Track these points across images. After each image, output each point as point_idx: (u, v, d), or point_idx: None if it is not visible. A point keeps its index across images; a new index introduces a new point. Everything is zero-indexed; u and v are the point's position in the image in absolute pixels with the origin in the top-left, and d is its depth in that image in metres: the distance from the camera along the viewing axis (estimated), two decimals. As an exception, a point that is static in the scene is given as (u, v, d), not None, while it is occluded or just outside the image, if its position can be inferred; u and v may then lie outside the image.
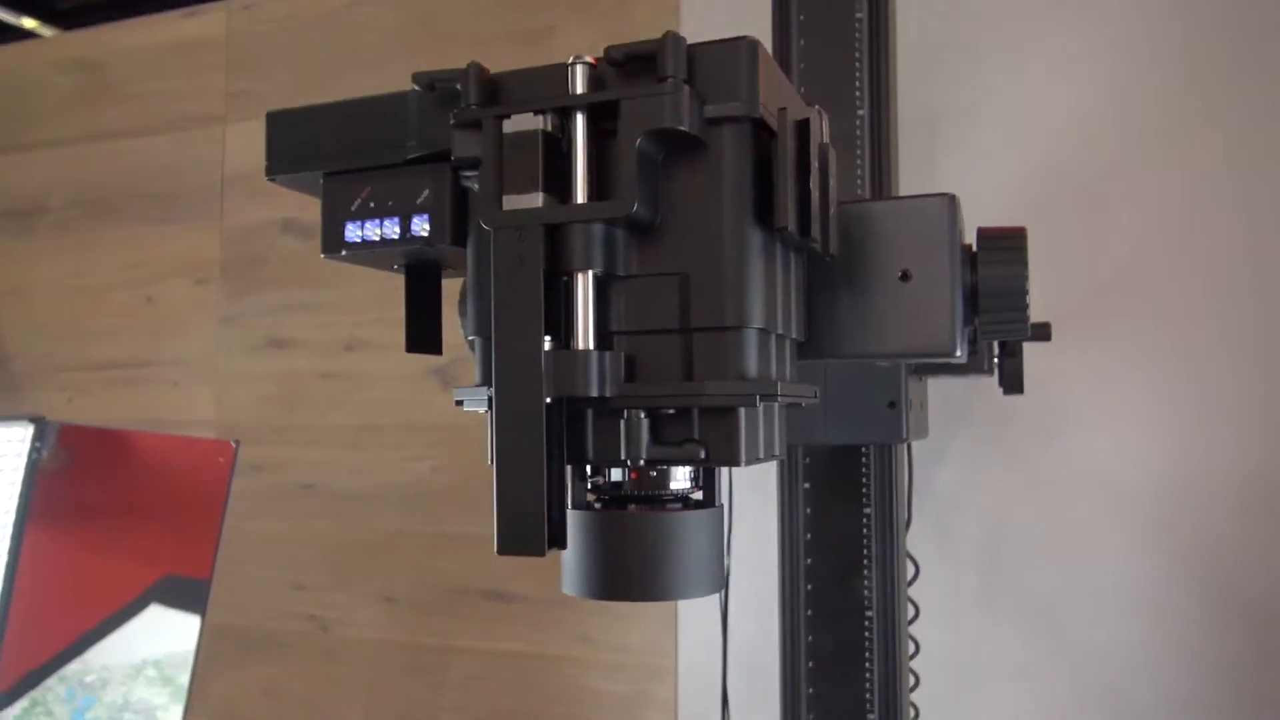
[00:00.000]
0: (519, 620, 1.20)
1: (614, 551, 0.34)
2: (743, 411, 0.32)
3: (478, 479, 1.23)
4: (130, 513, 0.90)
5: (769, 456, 0.35)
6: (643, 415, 0.32)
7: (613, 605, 1.15)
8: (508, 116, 0.32)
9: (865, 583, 0.73)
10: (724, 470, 0.36)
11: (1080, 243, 0.95)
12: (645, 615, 1.14)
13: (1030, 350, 0.81)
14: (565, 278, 0.32)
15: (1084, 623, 0.96)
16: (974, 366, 0.73)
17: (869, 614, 0.72)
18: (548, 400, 0.31)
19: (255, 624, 1.32)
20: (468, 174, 0.35)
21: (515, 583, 1.21)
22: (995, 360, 0.77)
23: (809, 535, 0.74)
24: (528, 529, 0.31)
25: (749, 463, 0.32)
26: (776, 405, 0.36)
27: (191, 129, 1.41)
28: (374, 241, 0.36)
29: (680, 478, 0.35)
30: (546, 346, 0.31)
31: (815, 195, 0.32)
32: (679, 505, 0.34)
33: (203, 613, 1.01)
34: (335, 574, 1.29)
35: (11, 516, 0.75)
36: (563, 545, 0.32)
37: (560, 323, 0.32)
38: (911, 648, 0.80)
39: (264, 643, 1.32)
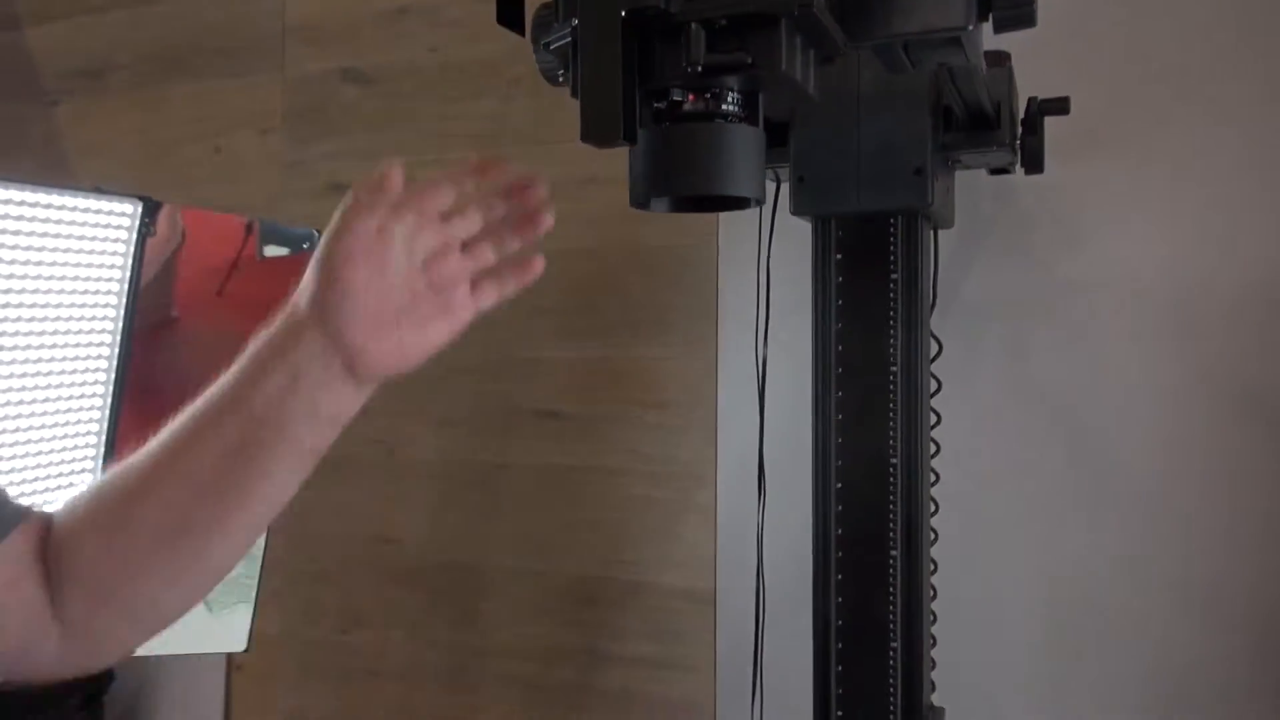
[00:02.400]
0: (570, 437, 1.29)
1: (679, 155, 0.41)
2: (783, 24, 0.39)
3: (526, 308, 1.31)
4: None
5: (804, 84, 0.41)
6: (701, 31, 0.39)
7: (659, 419, 1.24)
8: None
9: (891, 343, 0.80)
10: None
11: (1105, 48, 0.99)
12: (689, 428, 1.23)
13: (1052, 157, 0.86)
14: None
15: (1103, 421, 1.03)
16: (998, 141, 0.79)
17: (893, 369, 0.80)
18: (623, 13, 0.38)
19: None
20: None
21: (566, 401, 1.30)
22: (1018, 143, 0.83)
23: (840, 301, 0.81)
24: (609, 118, 0.38)
25: (788, 72, 0.39)
26: (812, 52, 0.42)
27: (251, -17, 1.47)
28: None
29: (730, 102, 0.42)
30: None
31: None
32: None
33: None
34: (397, 401, 1.39)
35: (124, 290, 0.84)
36: (634, 140, 0.39)
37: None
38: (933, 418, 0.88)
39: (334, 466, 1.43)
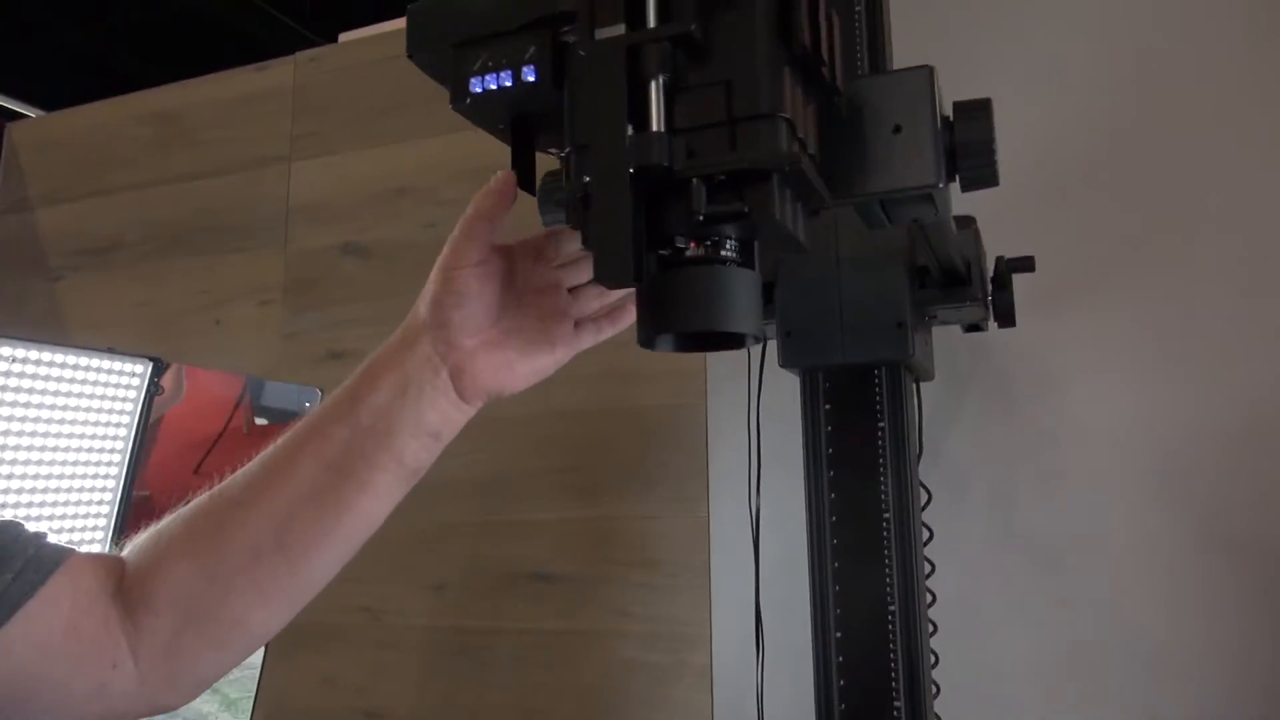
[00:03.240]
0: (561, 599, 1.28)
1: (683, 296, 0.45)
2: (775, 178, 0.43)
3: (520, 469, 1.32)
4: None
5: (795, 232, 0.46)
6: (702, 185, 0.43)
7: (650, 579, 1.23)
8: (598, -23, 0.45)
9: (882, 488, 0.82)
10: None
11: (1073, 206, 1.07)
12: (680, 588, 1.22)
13: (1026, 315, 0.92)
14: (639, 91, 0.44)
15: (1089, 567, 1.04)
16: (970, 296, 0.84)
17: (886, 515, 0.82)
18: (631, 169, 0.42)
19: (310, 619, 1.40)
20: (566, 29, 0.47)
21: (557, 564, 1.29)
22: (989, 299, 0.88)
23: (830, 450, 0.84)
24: (621, 260, 0.42)
25: (780, 220, 0.43)
26: (800, 205, 0.47)
27: (260, 168, 1.56)
28: (493, 90, 0.48)
29: (728, 248, 0.46)
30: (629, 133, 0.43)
31: (823, 28, 0.44)
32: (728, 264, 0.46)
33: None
34: (387, 566, 1.38)
35: (130, 444, 0.86)
36: (642, 280, 0.43)
37: (637, 120, 0.44)
38: (927, 567, 0.89)
39: (319, 635, 1.40)
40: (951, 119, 0.54)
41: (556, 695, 1.25)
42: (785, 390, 0.95)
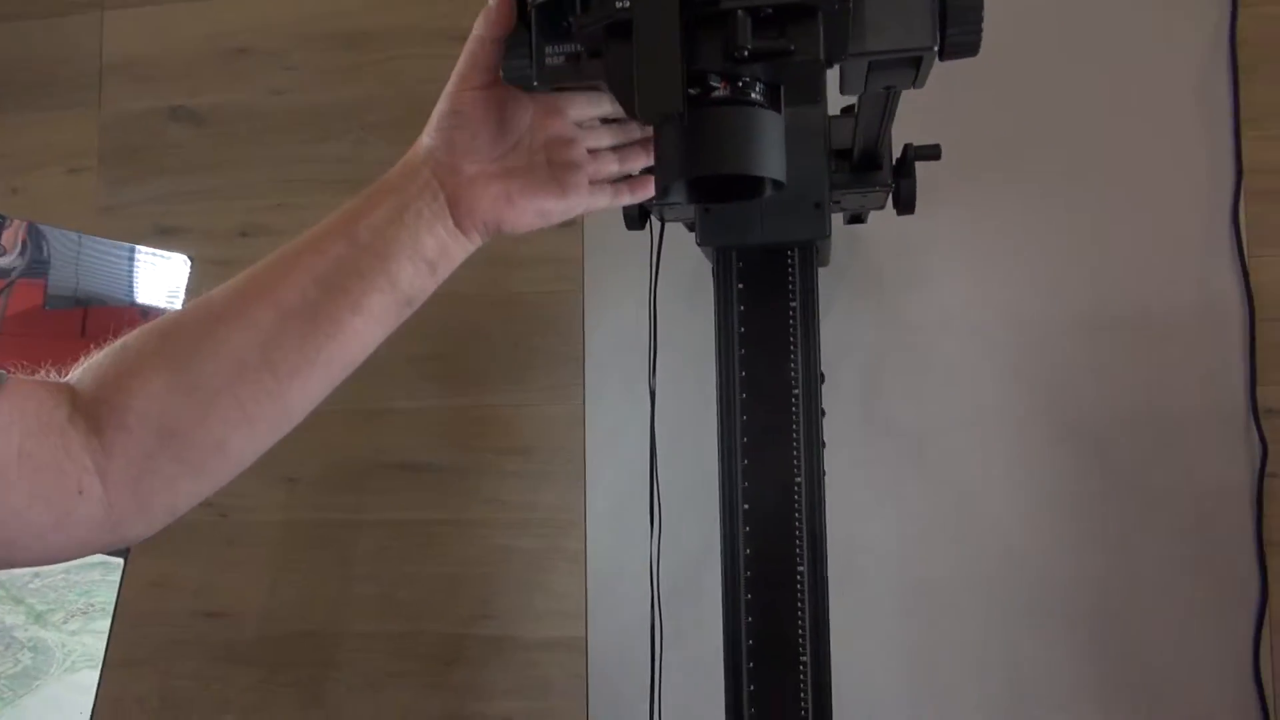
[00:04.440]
0: (428, 489, 1.25)
1: (712, 138, 0.43)
2: (820, 14, 0.42)
3: (381, 356, 1.26)
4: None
5: (822, 78, 0.45)
6: (748, 18, 0.41)
7: (522, 467, 1.22)
8: None
9: (792, 367, 0.84)
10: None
11: (951, 105, 1.11)
12: (554, 475, 1.22)
13: (890, 212, 0.95)
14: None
15: (948, 446, 1.12)
16: (880, 181, 0.86)
17: (795, 392, 0.84)
18: (675, -4, 0.40)
19: (142, 518, 1.29)
20: None
21: (425, 453, 1.25)
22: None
23: (742, 329, 0.85)
24: (668, 90, 0.39)
25: (829, 61, 0.42)
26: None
27: (64, 15, 1.36)
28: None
29: (758, 90, 0.44)
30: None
31: None
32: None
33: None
34: (232, 460, 1.28)
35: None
36: (685, 113, 0.40)
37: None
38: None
39: (157, 537, 1.29)
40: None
41: (426, 585, 1.23)
42: (673, 272, 0.96)
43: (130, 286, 1.06)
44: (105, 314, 1.15)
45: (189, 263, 0.95)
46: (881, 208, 0.93)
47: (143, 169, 1.33)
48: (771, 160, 0.44)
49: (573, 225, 1.23)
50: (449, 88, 0.55)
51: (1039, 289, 1.11)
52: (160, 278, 1.00)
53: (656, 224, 0.95)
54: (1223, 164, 1.10)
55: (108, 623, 0.96)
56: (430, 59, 1.26)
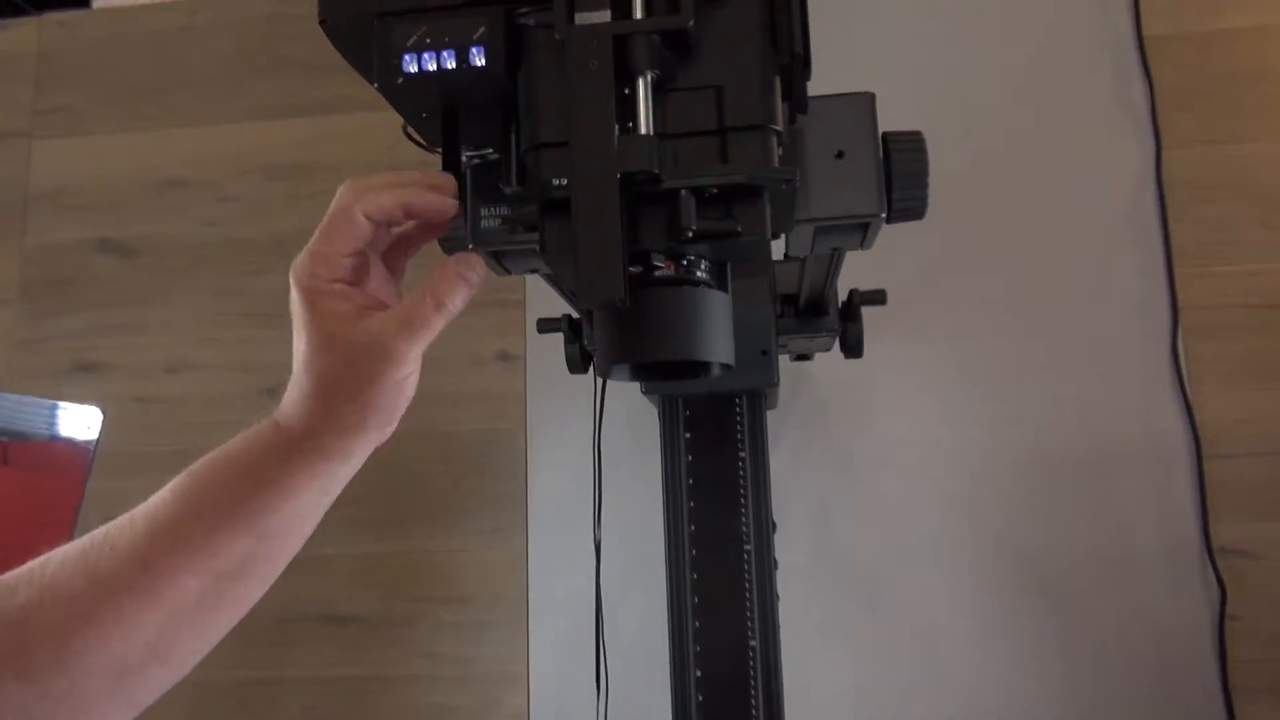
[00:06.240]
0: (356, 643, 1.17)
1: (653, 321, 0.40)
2: (766, 194, 0.40)
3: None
4: None
5: (774, 238, 0.43)
6: (691, 197, 0.39)
7: (460, 616, 1.15)
8: (575, -48, 0.39)
9: (743, 520, 0.80)
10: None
11: (883, 239, 1.11)
12: (494, 625, 1.15)
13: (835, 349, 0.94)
14: (626, 89, 0.39)
15: (901, 588, 1.09)
16: (827, 327, 0.85)
17: (747, 547, 0.80)
18: (618, 175, 0.37)
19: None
20: (524, 10, 0.41)
21: (352, 604, 1.18)
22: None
23: (690, 480, 0.81)
24: (609, 276, 0.36)
25: (774, 236, 0.40)
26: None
27: (-10, 143, 1.33)
28: (430, 72, 0.41)
29: (702, 269, 0.42)
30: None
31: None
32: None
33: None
34: (146, 612, 1.19)
35: None
36: (629, 300, 0.38)
37: (623, 120, 0.39)
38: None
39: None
40: (886, 148, 0.53)
41: (353, 749, 1.14)
42: (616, 415, 0.93)
43: (50, 427, 1.01)
44: (25, 448, 1.10)
45: (100, 414, 0.89)
46: (828, 350, 0.92)
47: (65, 302, 1.28)
48: (719, 344, 0.42)
49: (514, 361, 1.20)
50: (389, 347, 0.44)
51: (984, 425, 1.10)
52: (74, 424, 0.95)
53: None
54: (1159, 300, 1.11)
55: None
56: (370, 193, 1.24)
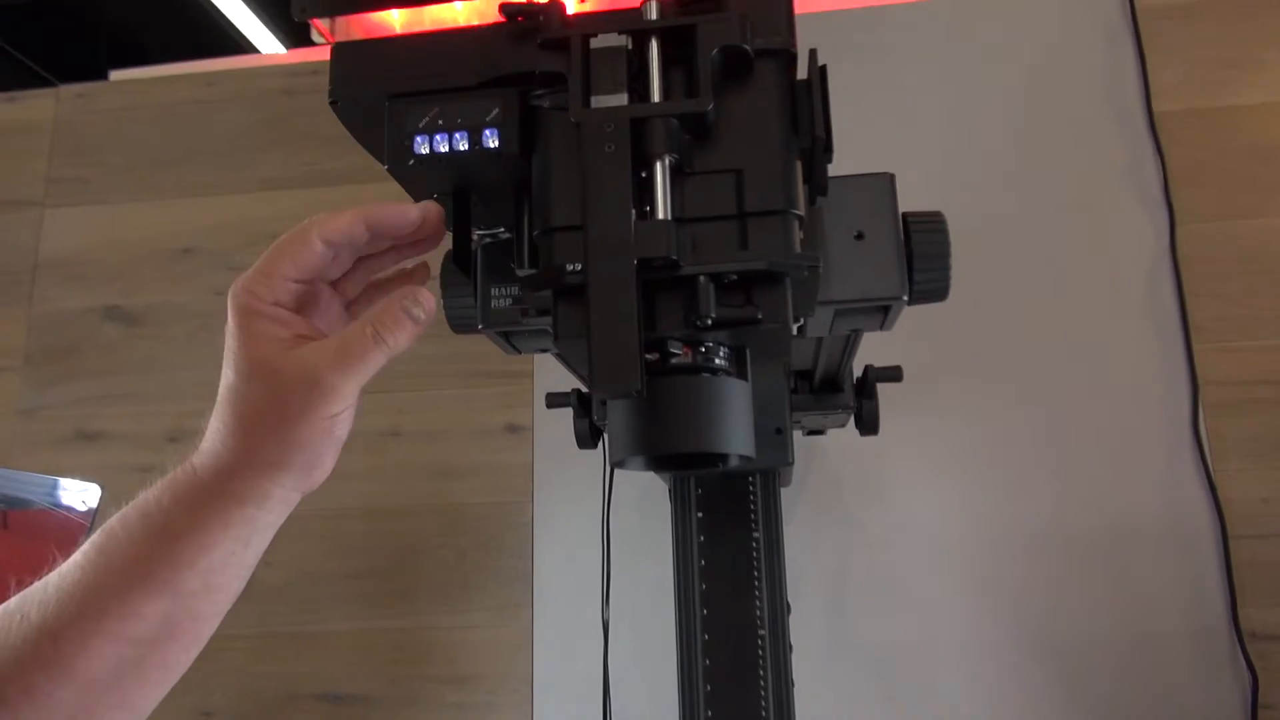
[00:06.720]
0: (357, 724, 1.13)
1: (677, 409, 0.38)
2: (788, 280, 0.38)
3: (307, 574, 1.17)
4: None
5: (795, 322, 0.41)
6: (710, 284, 0.38)
7: (464, 697, 1.12)
8: (594, 35, 0.38)
9: (757, 603, 0.77)
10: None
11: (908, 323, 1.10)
12: (497, 705, 1.11)
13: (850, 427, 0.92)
14: (643, 173, 0.38)
15: (918, 671, 1.05)
16: (843, 404, 0.83)
17: (761, 633, 0.77)
18: (635, 261, 0.36)
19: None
20: (539, 92, 0.40)
21: (353, 683, 1.14)
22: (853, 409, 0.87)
23: (703, 562, 0.79)
24: (624, 366, 0.35)
25: (795, 322, 0.39)
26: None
27: (5, 211, 1.33)
28: (442, 154, 0.40)
29: (721, 356, 0.40)
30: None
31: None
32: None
33: None
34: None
35: None
36: (644, 392, 0.36)
37: (640, 205, 0.38)
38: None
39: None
40: (906, 229, 0.52)
41: (349, 838, 1.09)
42: (623, 493, 0.91)
43: (50, 500, 0.99)
44: (25, 516, 1.09)
45: (100, 490, 0.88)
46: (843, 426, 0.90)
47: (69, 370, 1.27)
48: (738, 434, 0.40)
49: (522, 433, 1.18)
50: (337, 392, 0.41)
51: (1001, 504, 1.07)
52: (74, 498, 0.93)
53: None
54: (1178, 377, 1.09)
55: None
56: (379, 263, 1.24)
